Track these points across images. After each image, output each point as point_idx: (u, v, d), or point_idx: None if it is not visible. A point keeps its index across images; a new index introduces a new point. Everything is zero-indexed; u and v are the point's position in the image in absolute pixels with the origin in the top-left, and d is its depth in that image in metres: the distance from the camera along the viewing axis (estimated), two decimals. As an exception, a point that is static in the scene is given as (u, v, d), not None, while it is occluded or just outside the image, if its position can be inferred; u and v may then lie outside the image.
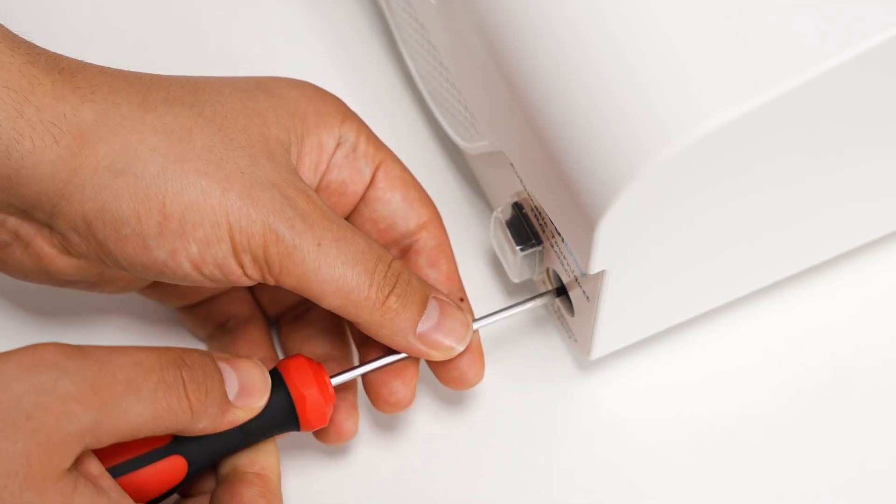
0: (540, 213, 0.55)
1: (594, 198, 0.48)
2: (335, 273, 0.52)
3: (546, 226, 0.55)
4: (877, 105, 0.51)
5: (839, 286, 0.62)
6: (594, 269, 0.51)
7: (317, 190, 0.55)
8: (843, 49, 0.48)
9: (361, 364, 0.55)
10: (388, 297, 0.53)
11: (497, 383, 0.60)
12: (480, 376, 0.56)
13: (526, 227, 0.56)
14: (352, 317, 0.53)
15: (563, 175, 0.50)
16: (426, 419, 0.60)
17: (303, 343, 0.58)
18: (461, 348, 0.54)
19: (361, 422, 0.59)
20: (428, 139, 0.66)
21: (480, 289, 0.62)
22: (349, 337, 0.59)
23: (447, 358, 0.55)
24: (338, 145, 0.55)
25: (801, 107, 0.48)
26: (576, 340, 0.58)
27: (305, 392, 0.52)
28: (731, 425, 0.60)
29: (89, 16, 0.67)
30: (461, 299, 0.57)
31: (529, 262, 0.57)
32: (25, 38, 0.52)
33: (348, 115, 0.56)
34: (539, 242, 0.56)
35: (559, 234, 0.53)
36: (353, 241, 0.52)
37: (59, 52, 0.53)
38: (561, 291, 0.57)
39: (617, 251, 0.50)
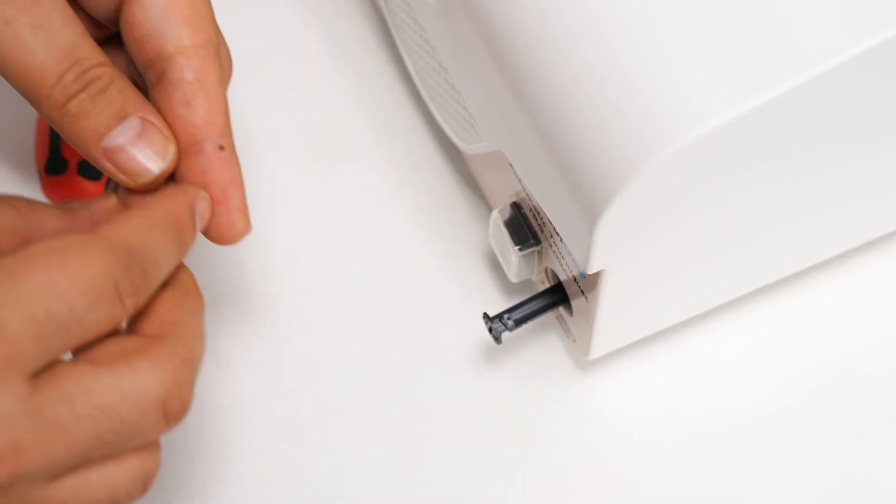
0: (538, 213, 0.55)
1: (593, 198, 0.48)
2: (24, 58, 0.47)
3: (545, 226, 0.55)
4: (877, 104, 0.51)
5: (840, 286, 0.62)
6: (593, 269, 0.51)
7: None
8: (843, 48, 0.48)
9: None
10: (69, 100, 0.48)
11: (496, 383, 0.60)
12: (237, 230, 0.50)
13: (524, 227, 0.56)
14: (36, 108, 0.48)
15: (561, 175, 0.50)
16: (424, 419, 0.60)
17: None
18: (155, 171, 0.48)
19: (361, 422, 0.59)
20: (427, 139, 0.66)
21: (479, 289, 0.62)
22: None
23: (137, 185, 0.48)
24: None
25: (801, 106, 0.48)
26: (574, 340, 0.58)
27: None
28: (730, 425, 0.60)
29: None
30: (221, 147, 0.49)
31: (528, 262, 0.57)
32: None
33: None
34: (538, 242, 0.56)
35: (558, 234, 0.53)
36: (53, 31, 0.47)
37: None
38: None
39: (615, 251, 0.50)
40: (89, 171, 0.63)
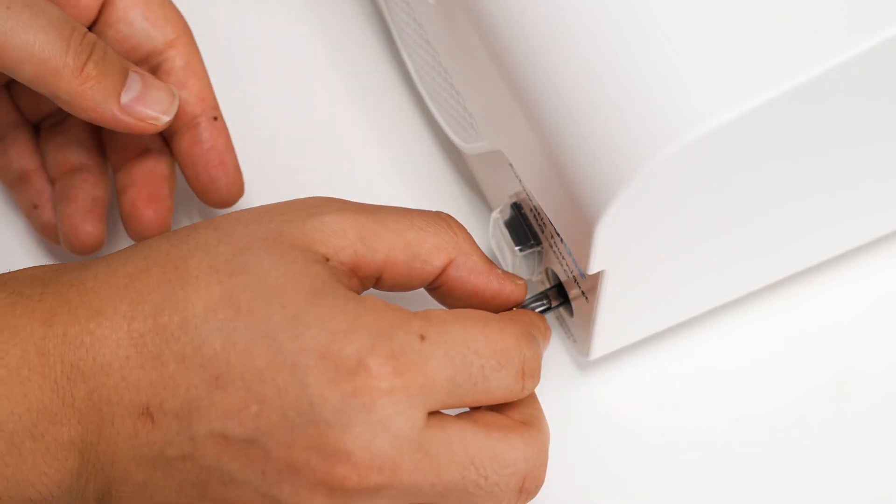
0: (539, 214, 0.55)
1: (593, 198, 0.48)
2: (29, 38, 0.51)
3: (545, 226, 0.55)
4: (876, 104, 0.51)
5: (840, 286, 0.62)
6: (593, 269, 0.51)
7: None
8: (843, 48, 0.47)
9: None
10: (85, 63, 0.52)
11: (496, 384, 0.60)
12: (236, 187, 0.57)
13: (525, 228, 0.56)
14: (51, 89, 0.52)
15: (561, 175, 0.50)
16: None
17: (58, 150, 0.58)
18: (168, 118, 0.54)
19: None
20: (427, 139, 0.66)
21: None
22: (104, 148, 0.59)
23: (155, 130, 0.55)
24: None
25: (801, 106, 0.48)
26: (575, 341, 0.58)
27: None
28: (730, 426, 0.59)
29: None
30: (215, 118, 0.57)
31: (528, 263, 0.57)
32: None
33: None
34: (538, 243, 0.56)
35: (558, 235, 0.53)
36: (45, 7, 0.51)
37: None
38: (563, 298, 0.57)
39: (616, 251, 0.50)
40: None
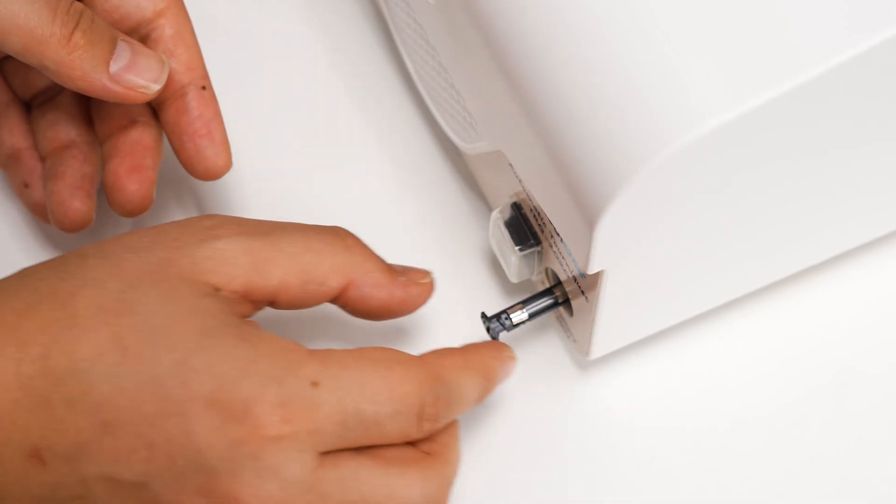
0: (539, 214, 0.55)
1: (593, 198, 0.48)
2: (14, 8, 0.51)
3: (545, 226, 0.55)
4: (877, 104, 0.51)
5: (840, 286, 0.62)
6: (593, 269, 0.51)
7: None
8: (843, 48, 0.47)
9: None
10: (73, 32, 0.52)
11: (496, 384, 0.60)
12: (223, 159, 0.56)
13: (525, 228, 0.56)
14: (39, 59, 0.52)
15: (561, 175, 0.50)
16: (425, 420, 0.60)
17: (49, 128, 0.58)
18: (157, 87, 0.54)
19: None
20: (427, 139, 0.66)
21: (479, 289, 0.62)
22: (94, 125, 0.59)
23: (145, 99, 0.54)
24: None
25: (801, 106, 0.48)
26: (575, 340, 0.58)
27: None
28: (730, 425, 0.59)
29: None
30: (203, 87, 0.56)
31: (528, 263, 0.57)
32: None
33: None
34: (538, 242, 0.56)
35: (558, 235, 0.53)
36: None
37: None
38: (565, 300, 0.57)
39: (615, 251, 0.50)
40: None
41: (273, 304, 0.51)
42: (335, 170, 0.65)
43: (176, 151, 0.57)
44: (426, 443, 0.51)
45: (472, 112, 0.57)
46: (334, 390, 0.47)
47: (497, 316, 0.57)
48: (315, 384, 0.47)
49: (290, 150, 0.65)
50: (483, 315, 0.57)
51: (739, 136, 0.48)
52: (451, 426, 0.52)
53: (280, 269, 0.50)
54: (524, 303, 0.57)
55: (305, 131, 0.66)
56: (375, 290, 0.52)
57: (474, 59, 0.53)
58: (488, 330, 0.56)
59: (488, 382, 0.53)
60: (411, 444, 0.51)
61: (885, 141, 0.54)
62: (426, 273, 0.54)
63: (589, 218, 0.49)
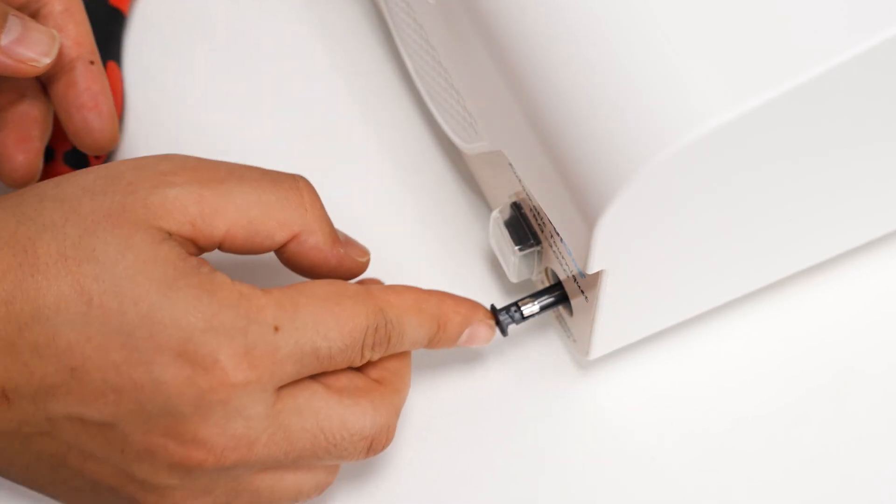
0: (538, 214, 0.55)
1: (593, 198, 0.48)
2: None
3: (545, 226, 0.55)
4: (877, 104, 0.51)
5: (840, 286, 0.62)
6: (592, 269, 0.51)
7: None
8: (843, 48, 0.47)
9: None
10: None
11: (496, 383, 0.60)
12: (109, 132, 0.58)
13: (524, 227, 0.56)
14: None
15: (561, 175, 0.50)
16: (424, 419, 0.60)
17: None
18: (48, 60, 0.55)
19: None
20: (427, 139, 0.66)
21: (479, 289, 0.62)
22: None
23: (35, 73, 0.55)
24: None
25: (801, 106, 0.48)
26: (575, 340, 0.58)
27: None
28: (730, 426, 0.59)
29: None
30: (91, 62, 0.58)
31: (528, 262, 0.57)
32: None
33: None
34: (538, 242, 0.56)
35: (558, 235, 0.53)
36: None
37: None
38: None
39: (615, 251, 0.50)
40: (74, 159, 0.63)
41: (220, 248, 0.53)
42: (335, 170, 0.65)
43: (64, 124, 0.59)
44: (377, 370, 0.54)
45: (472, 112, 0.57)
46: (292, 332, 0.50)
47: (507, 308, 0.57)
48: (276, 329, 0.49)
49: (290, 150, 0.65)
50: (492, 308, 0.57)
51: (739, 136, 0.48)
52: (403, 355, 0.55)
53: (228, 220, 0.51)
54: (534, 296, 0.57)
55: (305, 131, 0.66)
56: (313, 251, 0.54)
57: (474, 58, 0.53)
58: (498, 323, 0.57)
59: (441, 331, 0.55)
60: (362, 371, 0.53)
61: (885, 141, 0.54)
62: (365, 252, 0.56)
63: (589, 218, 0.49)
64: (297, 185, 0.53)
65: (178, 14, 0.69)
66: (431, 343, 0.55)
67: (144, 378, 0.48)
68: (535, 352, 0.61)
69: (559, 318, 0.59)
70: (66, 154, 0.63)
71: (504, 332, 0.57)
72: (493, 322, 0.56)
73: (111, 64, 0.66)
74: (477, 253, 0.63)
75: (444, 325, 0.54)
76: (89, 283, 0.48)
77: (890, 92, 0.51)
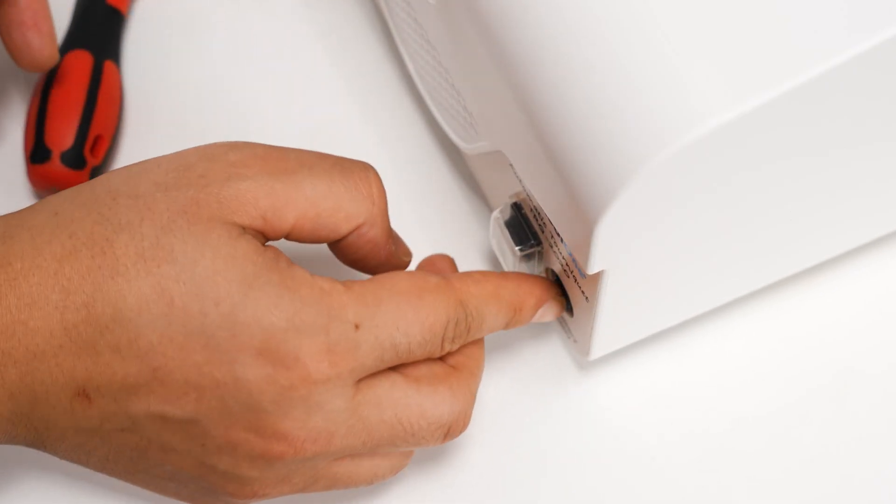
0: (539, 214, 0.55)
1: (593, 198, 0.48)
2: None
3: (545, 226, 0.55)
4: (877, 104, 0.51)
5: (840, 286, 0.62)
6: (593, 269, 0.51)
7: None
8: (843, 48, 0.47)
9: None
10: None
11: (496, 383, 0.60)
12: (49, 51, 0.60)
13: (525, 228, 0.56)
14: None
15: (561, 175, 0.50)
16: (425, 420, 0.60)
17: None
18: None
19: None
20: (427, 139, 0.66)
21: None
22: None
23: None
24: None
25: (801, 106, 0.48)
26: (575, 341, 0.58)
27: None
28: (731, 426, 0.60)
29: (88, 16, 0.67)
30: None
31: (528, 263, 0.57)
32: None
33: None
34: (538, 243, 0.56)
35: (558, 235, 0.53)
36: None
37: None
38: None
39: (616, 251, 0.50)
40: (71, 160, 0.63)
41: (286, 238, 0.53)
42: (335, 170, 0.65)
43: (5, 42, 0.59)
44: (454, 356, 0.53)
45: (472, 112, 0.57)
46: (372, 328, 0.50)
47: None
48: (357, 326, 0.50)
49: (290, 150, 0.65)
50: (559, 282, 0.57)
51: (739, 136, 0.48)
52: (477, 339, 0.54)
53: (297, 211, 0.51)
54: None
55: (305, 131, 0.66)
56: (369, 244, 0.54)
57: (475, 58, 0.53)
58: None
59: (517, 314, 0.55)
60: (441, 357, 0.53)
61: (885, 141, 0.54)
62: (409, 252, 0.57)
63: (589, 218, 0.49)
64: (367, 176, 0.53)
65: (177, 14, 0.69)
66: (507, 326, 0.55)
67: (226, 377, 0.48)
68: (536, 352, 0.61)
69: (559, 318, 0.59)
70: (64, 154, 0.63)
71: (572, 311, 0.57)
72: (563, 299, 0.56)
73: (109, 63, 0.65)
74: (477, 253, 0.63)
75: (520, 309, 0.55)
76: (170, 284, 0.48)
77: (890, 92, 0.51)
